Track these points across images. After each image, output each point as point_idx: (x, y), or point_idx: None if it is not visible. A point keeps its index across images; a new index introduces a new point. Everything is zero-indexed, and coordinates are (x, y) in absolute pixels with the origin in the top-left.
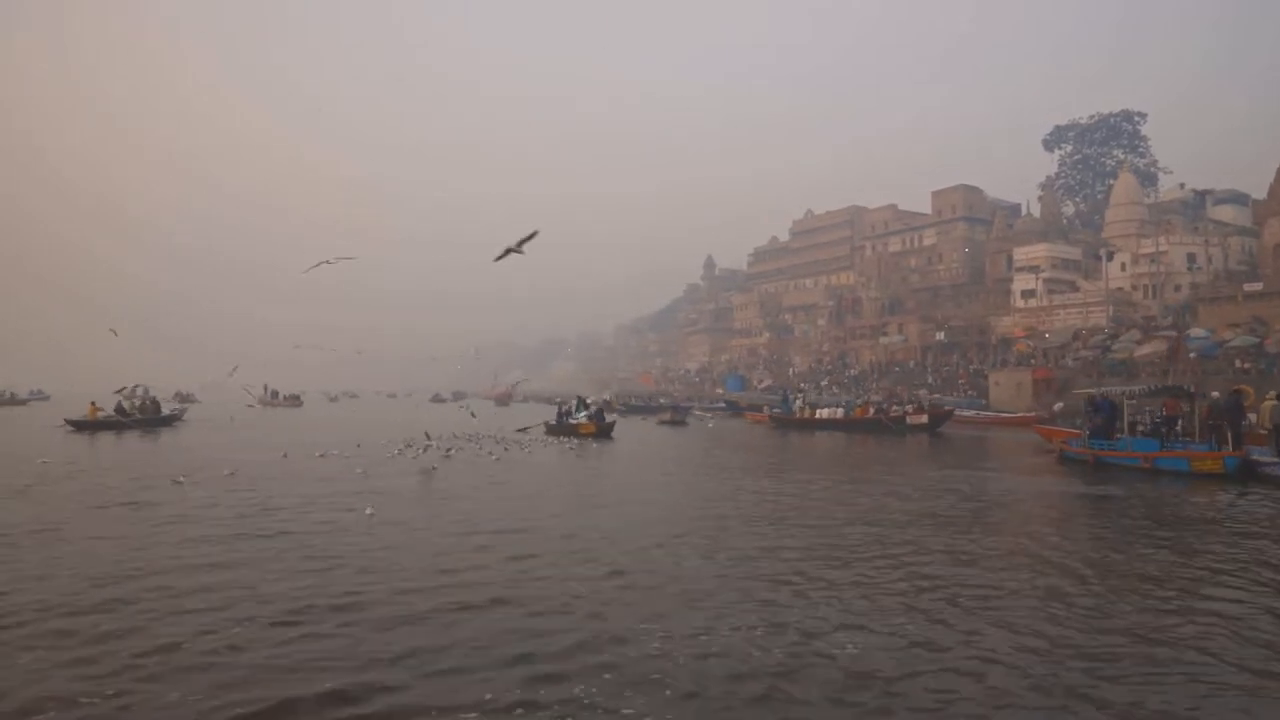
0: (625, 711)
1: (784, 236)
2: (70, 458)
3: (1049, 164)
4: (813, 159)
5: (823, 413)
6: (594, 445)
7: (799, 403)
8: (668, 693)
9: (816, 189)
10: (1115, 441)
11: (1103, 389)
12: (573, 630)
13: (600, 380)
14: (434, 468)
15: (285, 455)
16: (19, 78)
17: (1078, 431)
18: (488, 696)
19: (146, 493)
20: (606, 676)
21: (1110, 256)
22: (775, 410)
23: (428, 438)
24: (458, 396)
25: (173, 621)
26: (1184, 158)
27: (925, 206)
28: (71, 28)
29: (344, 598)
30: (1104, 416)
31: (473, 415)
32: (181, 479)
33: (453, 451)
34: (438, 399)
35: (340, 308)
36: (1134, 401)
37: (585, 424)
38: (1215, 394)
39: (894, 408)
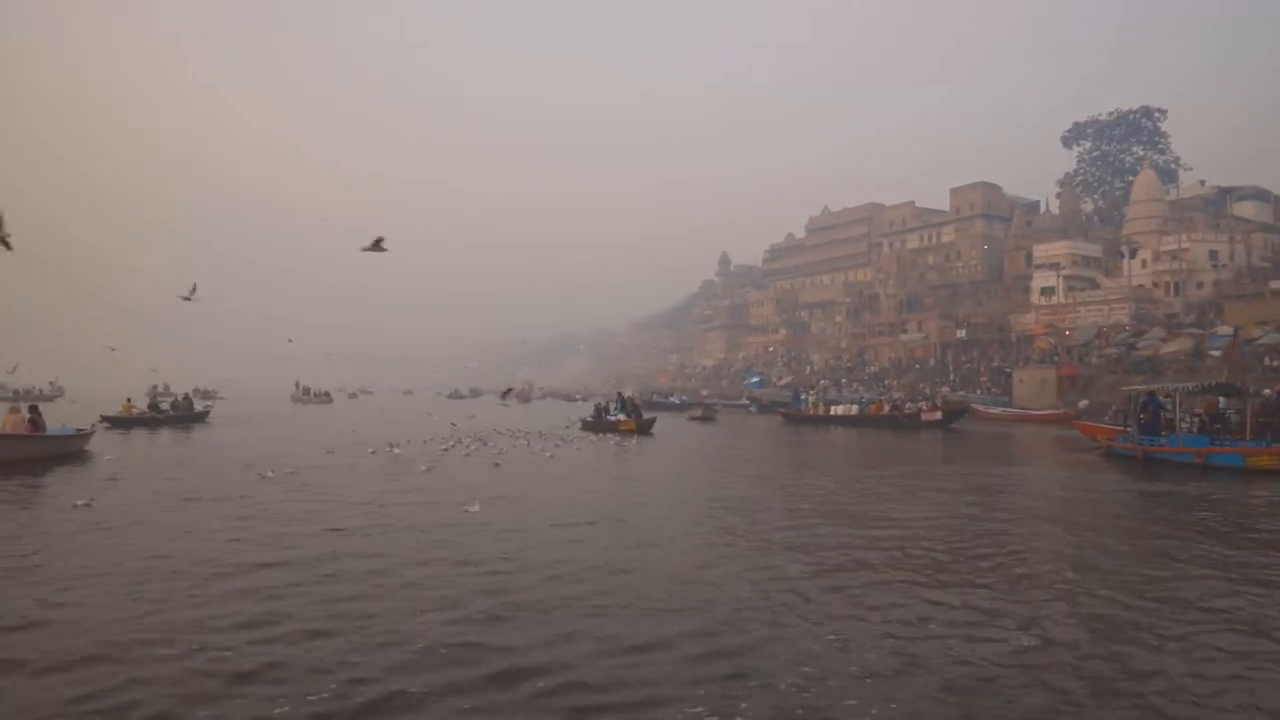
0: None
1: (799, 233)
2: (122, 454)
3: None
4: (812, 159)
5: (837, 409)
6: (635, 442)
7: (811, 399)
8: (869, 683)
9: (820, 188)
10: (1166, 437)
11: (1151, 386)
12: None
13: (615, 377)
14: (497, 464)
15: (331, 452)
16: (42, 85)
17: (1120, 428)
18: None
19: (230, 487)
20: (806, 669)
21: (1134, 253)
22: (788, 406)
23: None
24: (475, 393)
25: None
26: (1184, 156)
27: (930, 204)
28: (76, 30)
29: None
30: (1152, 413)
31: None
32: (270, 473)
33: (505, 449)
34: (455, 395)
35: (344, 307)
36: (1174, 399)
37: (625, 421)
38: (1267, 391)
39: (908, 404)
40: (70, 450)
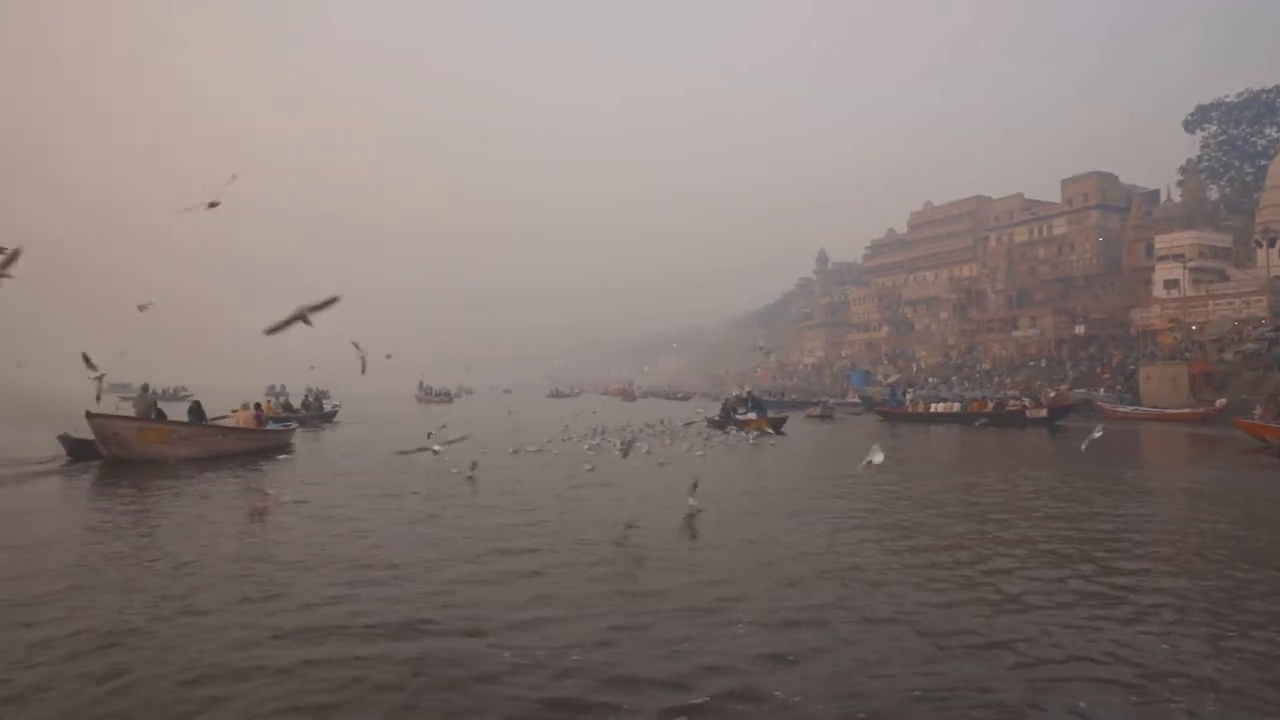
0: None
1: (900, 228)
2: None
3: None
4: (826, 153)
5: (938, 407)
6: (773, 440)
7: (910, 396)
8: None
9: (853, 182)
10: None
11: None
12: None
13: (712, 376)
14: (662, 464)
15: (484, 452)
16: (45, 98)
17: None
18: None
19: (431, 484)
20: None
21: (1272, 242)
22: (884, 404)
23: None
24: (574, 392)
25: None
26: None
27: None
28: (75, 31)
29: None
30: None
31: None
32: (471, 474)
33: (651, 449)
34: (557, 394)
35: (387, 315)
36: None
37: (758, 420)
38: None
39: (1011, 401)
40: (283, 443)
